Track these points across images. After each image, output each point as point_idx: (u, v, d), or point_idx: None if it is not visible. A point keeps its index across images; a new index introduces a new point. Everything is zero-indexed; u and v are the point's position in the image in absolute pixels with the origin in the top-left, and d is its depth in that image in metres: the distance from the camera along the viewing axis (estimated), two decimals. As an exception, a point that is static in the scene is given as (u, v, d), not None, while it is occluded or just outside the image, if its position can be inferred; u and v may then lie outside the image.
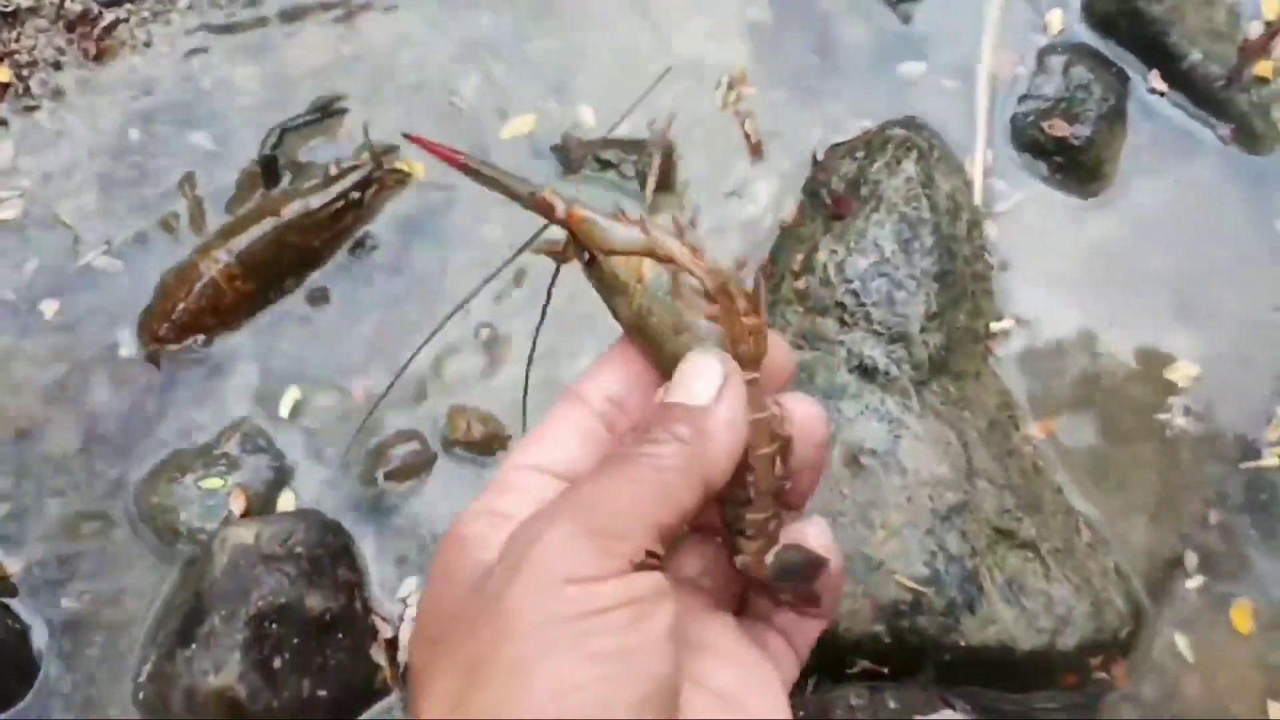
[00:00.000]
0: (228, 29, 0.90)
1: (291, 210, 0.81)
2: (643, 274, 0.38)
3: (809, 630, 0.42)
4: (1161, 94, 0.88)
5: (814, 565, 0.40)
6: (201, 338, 0.80)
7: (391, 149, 0.84)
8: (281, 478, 0.78)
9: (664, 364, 0.38)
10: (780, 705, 0.39)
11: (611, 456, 0.36)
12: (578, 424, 0.39)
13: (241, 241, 0.80)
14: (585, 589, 0.32)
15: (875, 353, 0.76)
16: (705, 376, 0.37)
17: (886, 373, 0.75)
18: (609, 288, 0.39)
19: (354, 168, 0.83)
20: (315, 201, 0.81)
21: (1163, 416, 0.81)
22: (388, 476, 0.78)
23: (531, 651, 0.31)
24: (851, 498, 0.72)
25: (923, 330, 0.76)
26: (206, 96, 0.88)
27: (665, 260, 0.38)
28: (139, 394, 0.80)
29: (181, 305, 0.79)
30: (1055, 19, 0.90)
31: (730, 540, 0.40)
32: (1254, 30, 0.87)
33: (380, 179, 0.83)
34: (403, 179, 0.85)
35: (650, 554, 0.33)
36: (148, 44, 0.89)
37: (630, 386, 0.39)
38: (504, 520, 0.36)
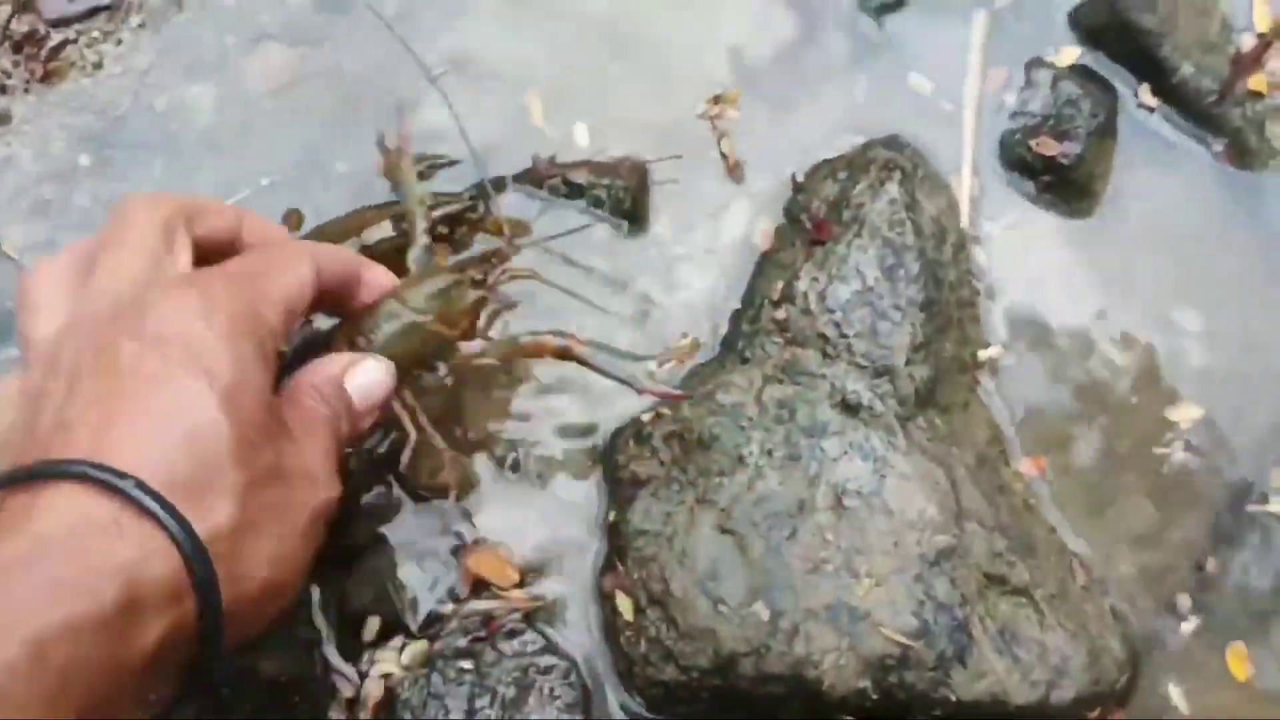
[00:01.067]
0: (182, 48, 0.86)
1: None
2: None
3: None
4: (1152, 109, 0.85)
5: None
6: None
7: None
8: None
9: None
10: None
11: None
12: None
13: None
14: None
15: (859, 387, 0.73)
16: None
17: (871, 408, 0.72)
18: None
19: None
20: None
21: (1161, 451, 0.78)
22: (351, 522, 0.74)
23: None
24: (836, 543, 0.68)
25: (908, 363, 0.73)
26: (161, 119, 0.84)
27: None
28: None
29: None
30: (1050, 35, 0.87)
31: None
32: (1246, 42, 0.84)
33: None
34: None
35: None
36: (98, 65, 0.85)
37: None
38: None
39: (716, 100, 0.85)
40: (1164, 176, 0.84)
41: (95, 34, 0.86)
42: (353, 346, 0.63)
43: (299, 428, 0.54)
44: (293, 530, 0.51)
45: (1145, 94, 0.85)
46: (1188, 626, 0.74)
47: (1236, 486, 0.77)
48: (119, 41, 0.85)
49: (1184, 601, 0.75)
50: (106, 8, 0.86)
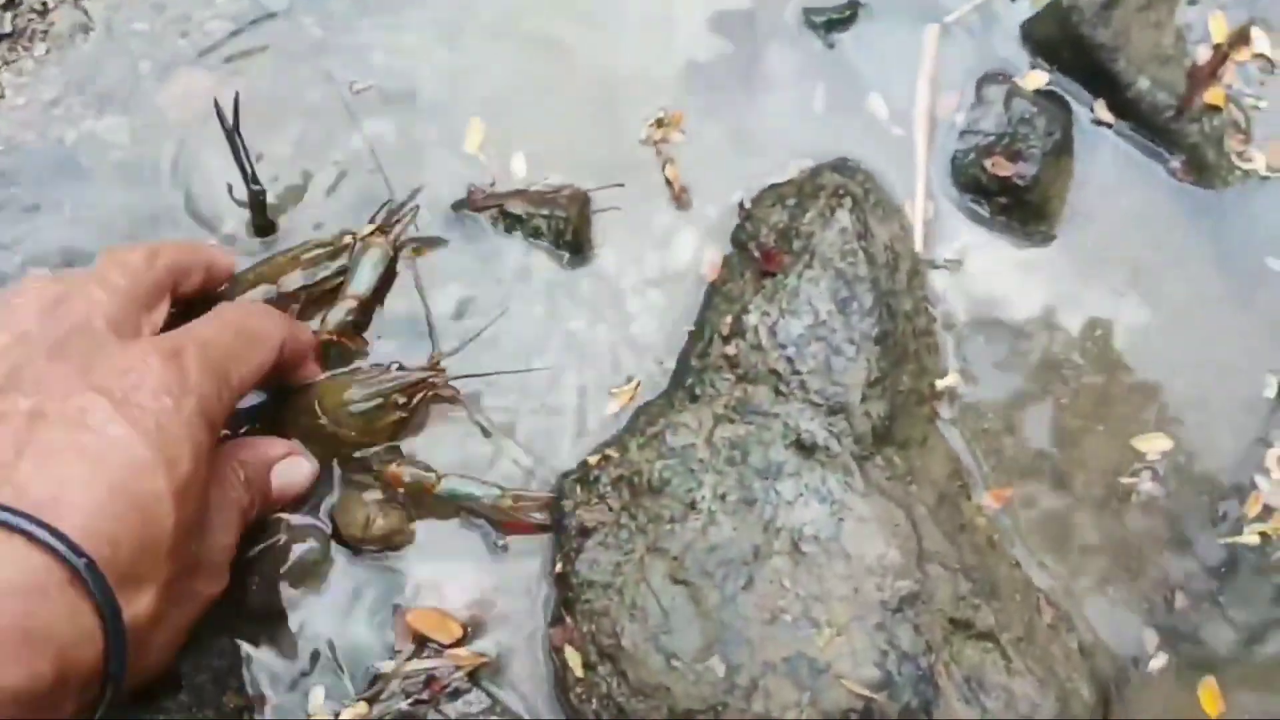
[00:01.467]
0: (92, 76, 0.81)
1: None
2: None
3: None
4: (1108, 125, 0.83)
5: None
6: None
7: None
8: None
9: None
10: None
11: None
12: None
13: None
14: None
15: (813, 426, 0.69)
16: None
17: (826, 448, 0.69)
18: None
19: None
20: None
21: (1128, 481, 0.75)
22: (282, 579, 0.70)
23: None
24: (794, 591, 0.65)
25: (864, 399, 0.70)
26: (71, 152, 0.79)
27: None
28: None
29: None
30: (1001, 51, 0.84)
31: None
32: (1201, 55, 0.82)
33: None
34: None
35: None
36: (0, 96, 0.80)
37: None
38: None
39: (659, 124, 0.81)
40: (1121, 194, 0.82)
41: (-3, 63, 0.80)
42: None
43: (215, 514, 0.54)
44: (186, 621, 0.52)
45: (1101, 109, 0.83)
46: (1157, 663, 0.72)
47: (1206, 517, 0.74)
48: (21, 71, 0.80)
49: (1152, 637, 0.72)
50: (8, 35, 0.81)
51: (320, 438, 0.68)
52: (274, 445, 0.63)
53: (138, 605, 0.46)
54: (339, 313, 0.72)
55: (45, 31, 0.81)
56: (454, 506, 0.72)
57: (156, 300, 0.56)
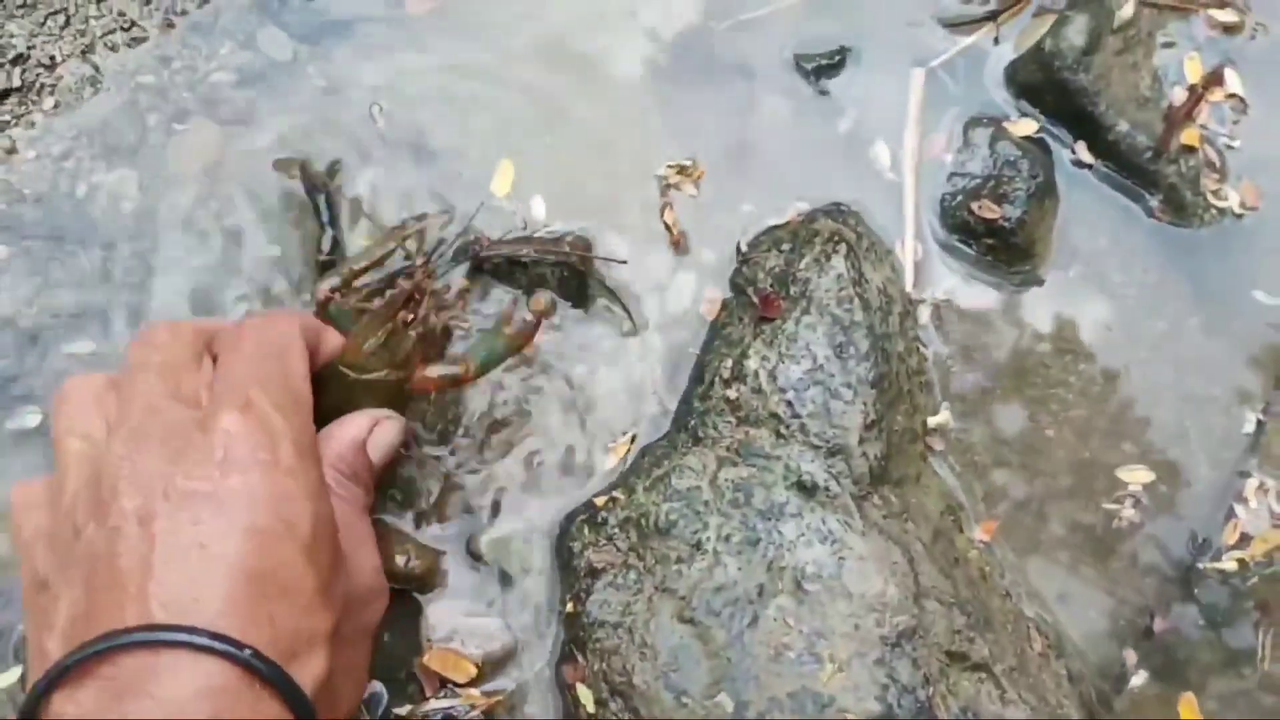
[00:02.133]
0: (101, 129, 0.82)
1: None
2: None
3: None
4: (1089, 166, 0.86)
5: None
6: None
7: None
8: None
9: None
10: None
11: None
12: None
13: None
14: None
15: (814, 468, 0.72)
16: None
17: (827, 489, 0.72)
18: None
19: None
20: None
21: (1110, 507, 0.79)
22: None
23: None
24: (797, 629, 0.68)
25: (861, 441, 0.73)
26: (82, 205, 0.81)
27: None
28: None
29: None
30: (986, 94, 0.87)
31: None
32: (1178, 96, 0.85)
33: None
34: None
35: None
36: (11, 150, 0.81)
37: None
38: None
39: (681, 170, 0.84)
40: (1103, 234, 0.85)
41: (5, 117, 0.82)
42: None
43: (348, 538, 0.52)
44: (365, 656, 0.52)
45: (1083, 151, 0.86)
46: (1138, 681, 0.75)
47: (1187, 544, 0.78)
48: (32, 124, 0.82)
49: (1133, 656, 0.76)
50: (17, 89, 0.82)
51: (365, 395, 0.65)
52: (350, 425, 0.60)
53: (313, 669, 0.46)
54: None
55: (54, 85, 0.83)
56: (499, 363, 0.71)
57: (199, 364, 0.54)
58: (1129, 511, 0.79)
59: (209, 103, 0.83)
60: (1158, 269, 0.84)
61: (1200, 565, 0.77)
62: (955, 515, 0.78)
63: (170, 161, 0.82)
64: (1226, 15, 0.88)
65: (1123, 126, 0.84)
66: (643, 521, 0.72)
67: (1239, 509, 0.78)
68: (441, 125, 0.84)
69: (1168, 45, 0.87)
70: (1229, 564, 0.76)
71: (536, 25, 0.87)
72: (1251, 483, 0.78)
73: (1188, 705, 0.75)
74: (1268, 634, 0.76)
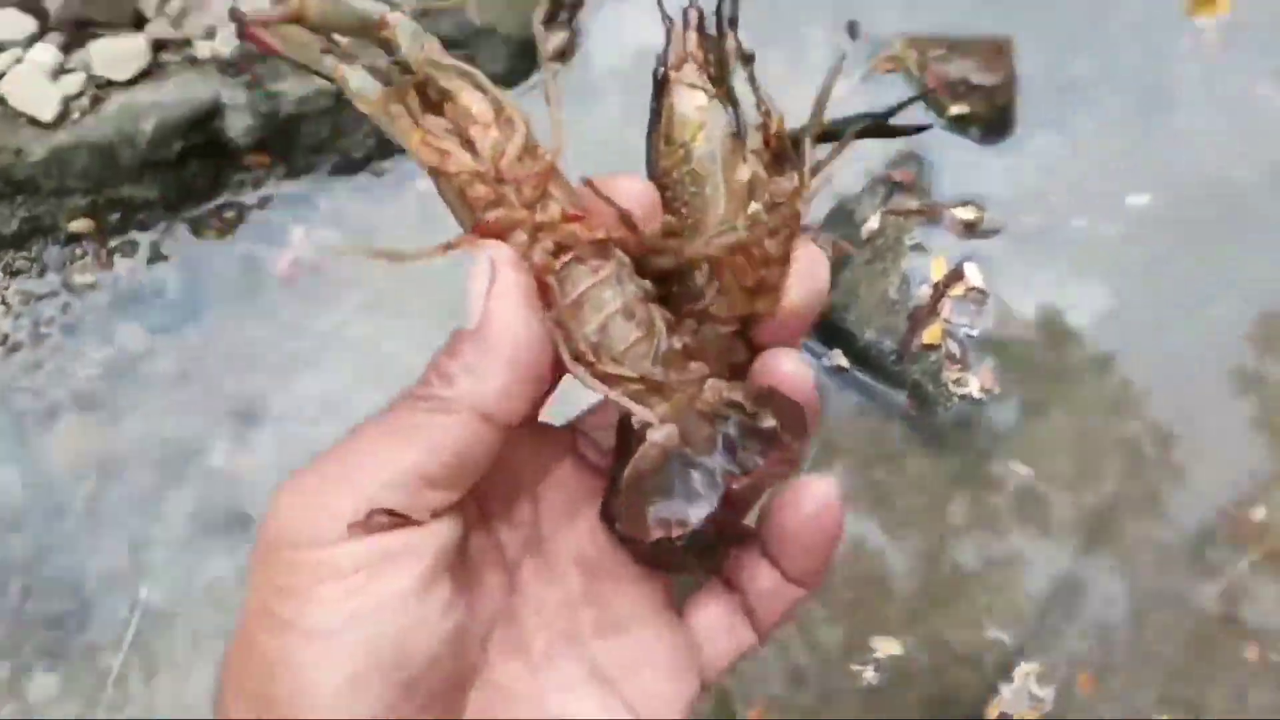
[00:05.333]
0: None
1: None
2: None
3: (780, 592, 0.32)
4: (845, 369, 0.98)
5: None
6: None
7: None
8: None
9: None
10: (673, 690, 0.32)
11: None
12: None
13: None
14: (305, 555, 0.28)
15: None
16: (473, 286, 0.29)
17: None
18: None
19: None
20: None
21: (856, 668, 0.90)
22: None
23: (253, 629, 0.28)
24: None
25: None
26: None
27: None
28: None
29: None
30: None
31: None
32: (923, 294, 0.97)
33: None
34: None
35: (388, 511, 0.28)
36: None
37: None
38: None
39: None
40: (865, 431, 0.97)
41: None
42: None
43: None
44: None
45: (838, 357, 0.98)
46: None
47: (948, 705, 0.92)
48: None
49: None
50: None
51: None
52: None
53: None
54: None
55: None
56: None
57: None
58: (870, 674, 0.90)
59: (78, 396, 0.95)
60: (913, 456, 0.96)
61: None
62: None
63: (49, 456, 0.93)
64: (966, 213, 0.98)
65: (870, 336, 0.96)
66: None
67: (1003, 688, 0.90)
68: (277, 404, 0.95)
69: (915, 247, 0.98)
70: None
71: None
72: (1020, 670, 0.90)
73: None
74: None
